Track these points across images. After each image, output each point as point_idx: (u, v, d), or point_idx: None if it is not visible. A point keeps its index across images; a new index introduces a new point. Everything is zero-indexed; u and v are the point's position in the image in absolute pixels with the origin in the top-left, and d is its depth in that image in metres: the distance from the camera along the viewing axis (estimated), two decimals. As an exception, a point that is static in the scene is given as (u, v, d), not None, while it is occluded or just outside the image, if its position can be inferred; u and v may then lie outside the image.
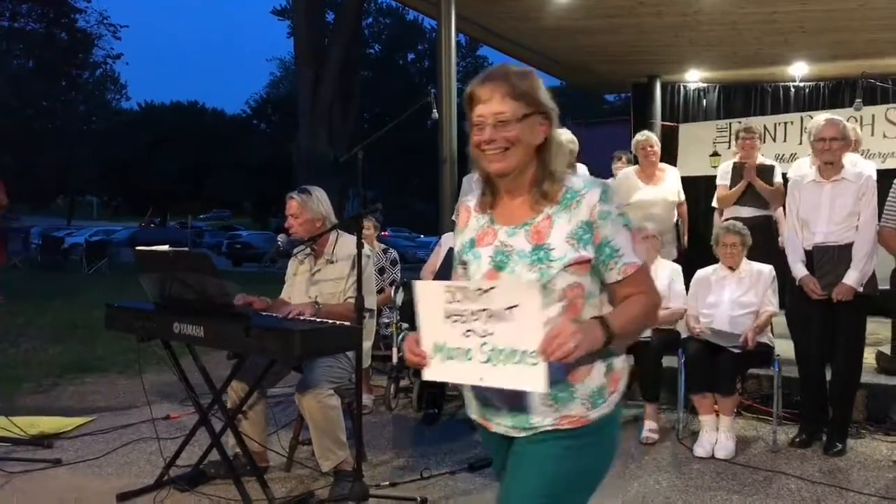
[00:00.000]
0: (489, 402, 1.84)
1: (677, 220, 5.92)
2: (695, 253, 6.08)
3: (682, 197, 5.94)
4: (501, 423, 1.83)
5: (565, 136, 6.17)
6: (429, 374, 1.77)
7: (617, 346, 1.76)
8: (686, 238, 6.05)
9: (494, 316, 1.64)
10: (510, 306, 1.62)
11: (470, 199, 1.95)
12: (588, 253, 1.75)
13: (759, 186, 5.39)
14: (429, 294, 1.75)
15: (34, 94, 30.90)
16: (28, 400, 5.54)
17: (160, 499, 3.56)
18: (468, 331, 1.68)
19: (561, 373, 1.72)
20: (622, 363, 1.85)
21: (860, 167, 4.38)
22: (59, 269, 19.48)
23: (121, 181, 42.52)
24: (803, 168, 4.90)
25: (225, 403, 3.73)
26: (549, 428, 1.77)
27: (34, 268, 20.02)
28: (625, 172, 6.01)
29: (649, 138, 5.77)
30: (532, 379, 1.62)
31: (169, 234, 28.80)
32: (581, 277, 1.76)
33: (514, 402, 1.77)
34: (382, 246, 5.83)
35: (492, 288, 1.65)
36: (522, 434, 1.80)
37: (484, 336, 1.66)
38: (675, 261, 5.22)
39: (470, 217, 1.93)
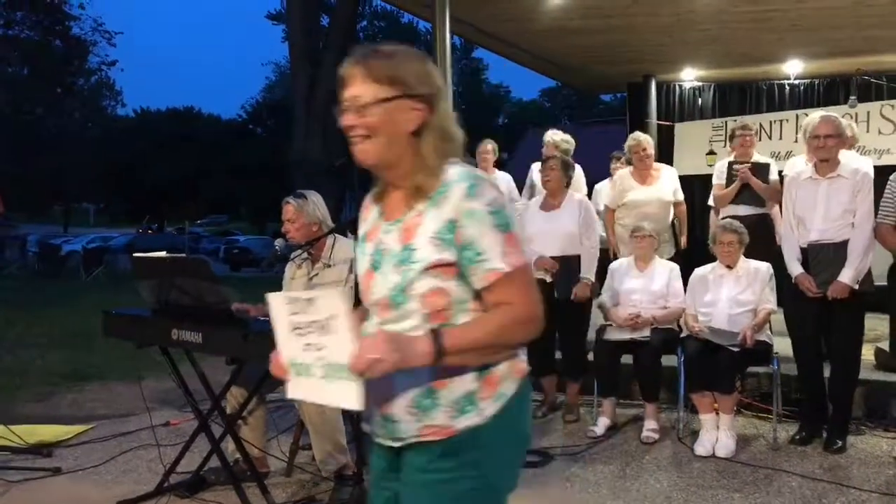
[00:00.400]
0: (371, 412, 1.68)
1: (674, 220, 5.92)
2: (692, 251, 6.08)
3: (680, 196, 5.92)
4: (377, 434, 1.68)
5: (558, 136, 6.26)
6: (291, 392, 1.63)
7: (457, 362, 1.55)
8: (684, 239, 6.04)
9: (324, 328, 1.51)
10: (330, 317, 1.49)
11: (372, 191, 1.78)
12: (450, 255, 1.55)
13: (755, 185, 5.39)
14: (276, 305, 1.61)
15: (29, 102, 30.87)
16: (26, 408, 5.52)
17: (160, 506, 3.56)
18: (307, 344, 1.55)
19: (424, 377, 1.56)
20: (507, 367, 1.62)
21: (856, 164, 4.38)
22: (57, 277, 19.44)
23: (117, 188, 42.50)
24: (799, 166, 4.90)
25: (224, 409, 3.73)
26: (415, 440, 1.60)
27: (31, 276, 19.99)
28: (620, 174, 6.05)
29: (640, 142, 5.76)
30: (349, 395, 1.49)
31: (166, 240, 28.72)
32: (445, 282, 1.56)
33: (384, 409, 1.62)
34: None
35: (317, 297, 1.53)
36: (396, 445, 1.64)
37: (319, 350, 1.53)
38: (671, 260, 5.23)
39: (369, 210, 1.76)
